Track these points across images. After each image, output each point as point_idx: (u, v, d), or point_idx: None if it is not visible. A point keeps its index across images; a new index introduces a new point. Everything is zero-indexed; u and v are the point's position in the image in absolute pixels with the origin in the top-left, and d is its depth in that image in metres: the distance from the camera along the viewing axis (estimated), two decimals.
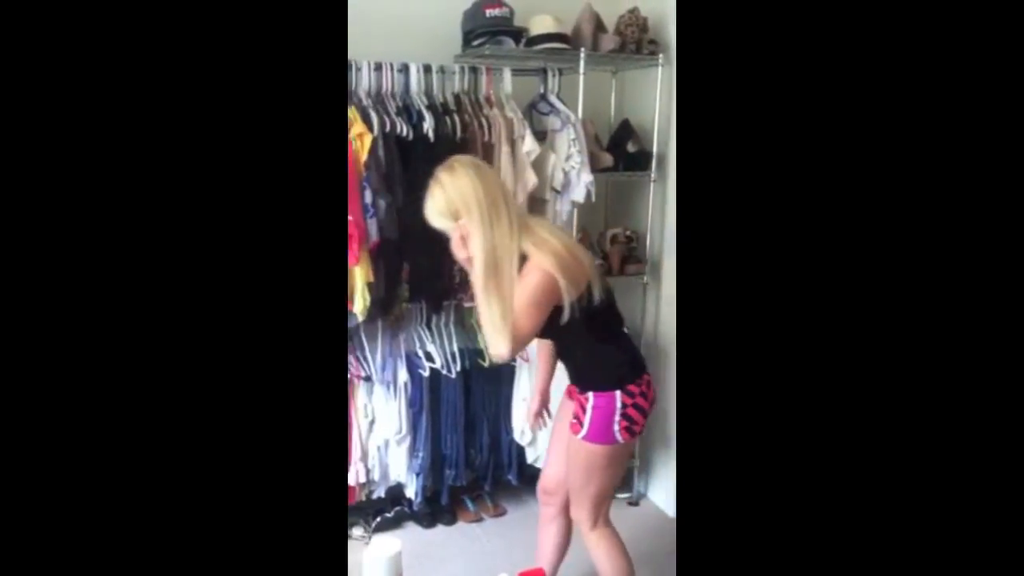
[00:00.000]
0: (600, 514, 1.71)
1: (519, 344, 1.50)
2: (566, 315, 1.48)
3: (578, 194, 2.35)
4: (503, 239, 1.47)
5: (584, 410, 1.60)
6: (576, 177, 2.34)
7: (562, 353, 1.72)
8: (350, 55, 2.13)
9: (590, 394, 1.59)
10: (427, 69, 2.21)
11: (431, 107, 2.17)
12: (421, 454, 2.36)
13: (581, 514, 1.70)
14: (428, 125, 2.11)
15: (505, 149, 2.24)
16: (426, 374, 2.32)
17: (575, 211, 2.40)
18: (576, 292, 1.48)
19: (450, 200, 1.49)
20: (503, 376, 2.46)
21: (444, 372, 2.35)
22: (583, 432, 1.60)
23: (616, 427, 1.58)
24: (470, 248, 1.49)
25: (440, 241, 2.20)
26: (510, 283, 1.47)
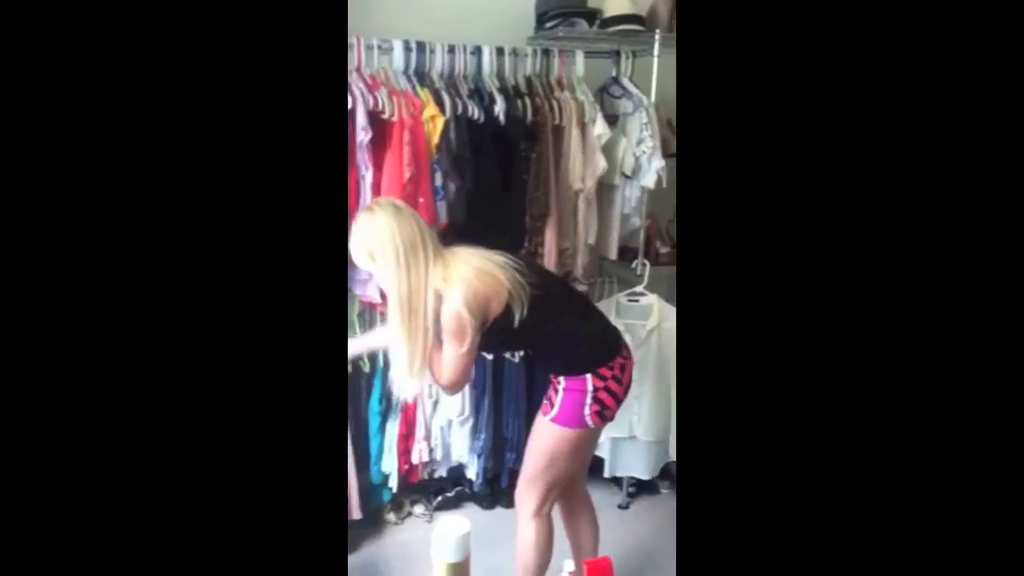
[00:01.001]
0: (549, 502, 1.67)
1: (455, 381, 1.52)
2: (468, 342, 1.48)
3: (648, 180, 2.31)
4: (419, 281, 1.47)
5: (556, 391, 1.60)
6: (647, 162, 2.29)
7: (530, 355, 1.72)
8: (424, 37, 2.14)
9: (561, 378, 1.60)
10: (499, 51, 2.20)
11: (503, 90, 2.16)
12: (483, 436, 2.38)
13: (530, 499, 1.65)
14: (499, 108, 2.10)
15: (575, 132, 2.21)
16: (490, 357, 2.33)
17: (645, 197, 2.36)
18: (485, 316, 1.48)
19: (367, 243, 1.50)
20: None
21: (507, 356, 2.35)
22: (552, 413, 1.60)
23: (587, 411, 1.57)
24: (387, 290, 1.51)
25: (507, 225, 2.21)
26: (426, 324, 1.48)
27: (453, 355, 1.50)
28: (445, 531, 0.92)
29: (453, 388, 1.57)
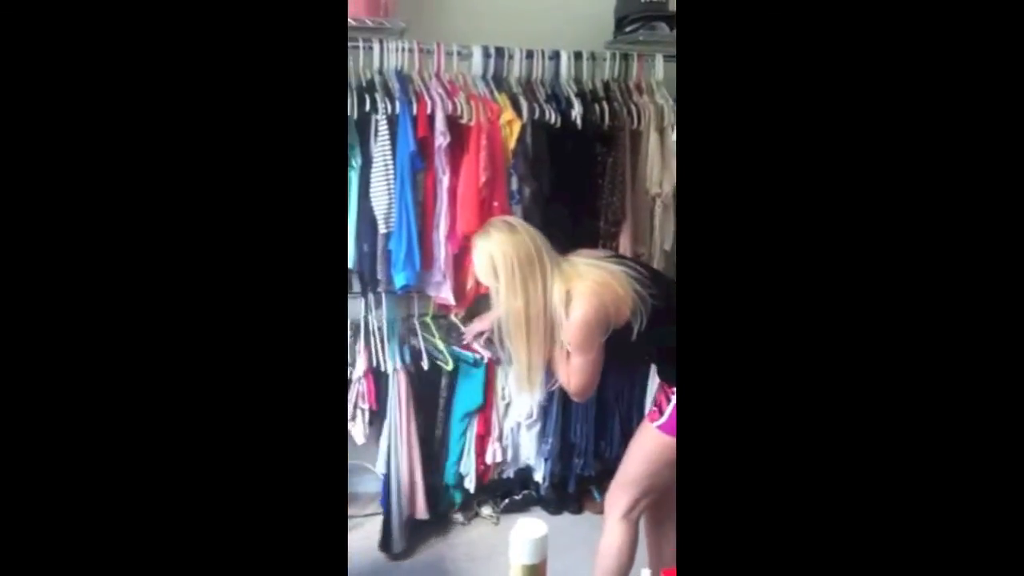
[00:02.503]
0: (639, 508, 1.67)
1: (584, 388, 1.57)
2: (594, 353, 1.52)
3: None
4: (537, 294, 1.51)
5: (667, 400, 1.59)
6: None
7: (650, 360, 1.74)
8: (503, 43, 2.16)
9: (675, 387, 1.58)
10: (578, 56, 2.20)
11: (580, 94, 2.15)
12: (550, 440, 2.38)
13: (621, 501, 1.66)
14: (577, 112, 2.10)
15: (654, 137, 2.19)
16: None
17: None
18: (608, 327, 1.52)
19: (482, 264, 1.56)
20: (638, 372, 2.41)
21: None
22: (661, 420, 1.59)
23: None
24: (500, 307, 1.55)
25: (582, 229, 2.20)
26: (541, 338, 1.53)
27: (580, 365, 1.55)
28: (522, 533, 0.91)
29: (582, 395, 1.61)
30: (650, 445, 1.62)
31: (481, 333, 2.10)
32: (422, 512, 2.25)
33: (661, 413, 1.60)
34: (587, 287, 1.50)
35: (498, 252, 1.53)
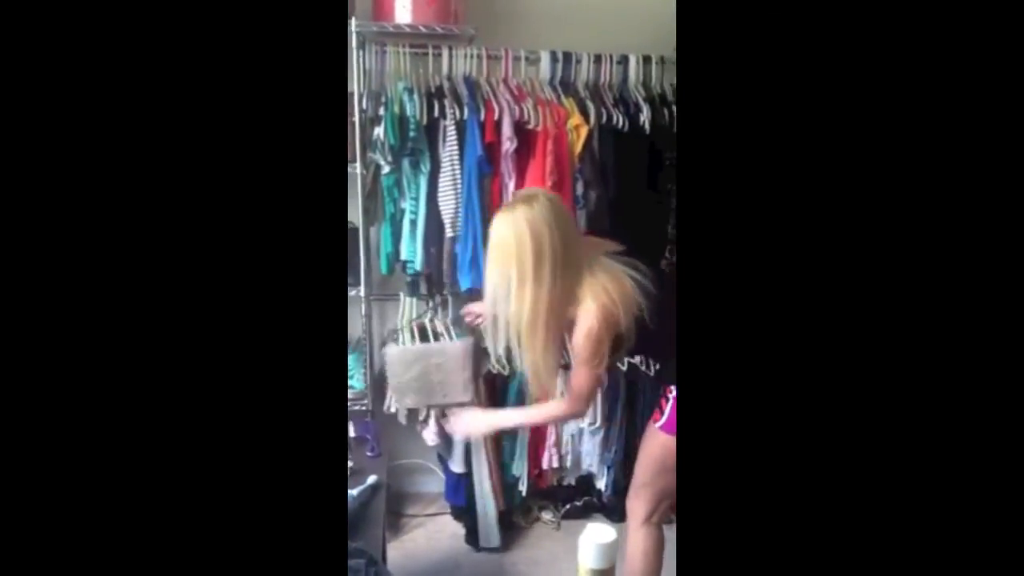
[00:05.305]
0: (659, 511, 1.65)
1: (588, 398, 1.54)
2: (603, 363, 1.48)
3: None
4: (543, 293, 1.37)
5: (667, 399, 1.58)
6: None
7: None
8: (570, 47, 2.17)
9: (673, 386, 1.57)
10: (646, 60, 2.18)
11: (649, 99, 2.14)
12: (615, 447, 2.36)
13: (639, 506, 1.65)
14: (645, 116, 2.08)
15: None
16: (624, 368, 2.31)
17: None
18: (612, 339, 1.45)
19: (492, 250, 1.42)
20: None
21: (643, 368, 2.31)
22: (662, 421, 1.58)
23: None
24: (524, 298, 1.39)
25: (649, 236, 2.18)
26: (549, 339, 1.42)
27: (584, 375, 1.49)
28: (591, 537, 0.91)
29: (582, 403, 1.56)
30: (654, 446, 1.62)
31: (478, 315, 1.86)
32: (500, 507, 2.29)
33: (662, 413, 1.60)
34: (602, 297, 1.39)
35: (543, 230, 1.35)
